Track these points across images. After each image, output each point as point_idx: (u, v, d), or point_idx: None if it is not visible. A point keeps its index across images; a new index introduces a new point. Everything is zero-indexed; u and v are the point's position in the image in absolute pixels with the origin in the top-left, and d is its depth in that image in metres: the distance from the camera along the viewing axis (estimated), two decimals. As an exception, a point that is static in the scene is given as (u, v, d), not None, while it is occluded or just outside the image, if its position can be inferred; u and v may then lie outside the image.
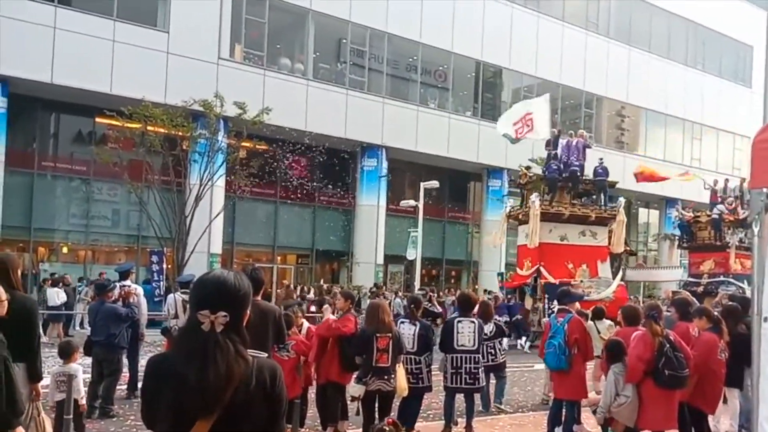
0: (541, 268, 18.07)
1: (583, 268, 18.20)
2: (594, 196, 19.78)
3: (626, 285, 20.12)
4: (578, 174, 19.04)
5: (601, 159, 20.32)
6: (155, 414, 2.25)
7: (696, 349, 6.85)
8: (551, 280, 17.35)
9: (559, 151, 19.53)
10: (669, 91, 35.50)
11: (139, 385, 9.92)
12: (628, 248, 20.62)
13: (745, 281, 18.89)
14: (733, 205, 21.42)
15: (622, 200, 19.76)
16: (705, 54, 37.76)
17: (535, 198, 18.59)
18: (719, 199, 22.31)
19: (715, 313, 7.66)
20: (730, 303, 8.79)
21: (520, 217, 19.74)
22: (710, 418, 7.43)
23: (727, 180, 23.86)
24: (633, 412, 6.46)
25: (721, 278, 20.07)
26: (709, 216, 22.15)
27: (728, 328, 7.41)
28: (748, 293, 13.77)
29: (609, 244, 18.94)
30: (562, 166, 19.21)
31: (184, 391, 2.17)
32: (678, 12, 35.42)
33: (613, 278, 18.36)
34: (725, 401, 7.83)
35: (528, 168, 20.82)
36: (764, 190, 3.36)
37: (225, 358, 2.20)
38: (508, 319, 19.80)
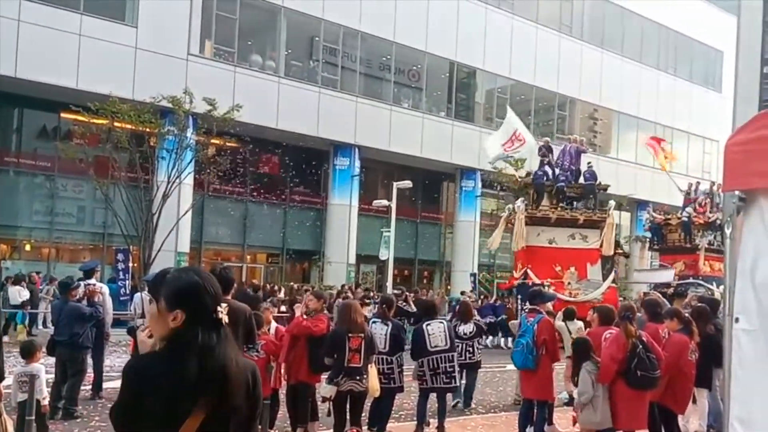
0: (529, 271, 18.28)
1: (571, 271, 18.34)
2: (584, 201, 19.95)
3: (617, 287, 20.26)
4: (564, 188, 19.28)
5: (590, 163, 20.52)
6: (138, 415, 2.19)
7: (667, 350, 6.90)
8: (537, 282, 17.56)
9: (555, 157, 19.85)
10: (641, 94, 35.92)
11: (105, 385, 9.82)
12: (621, 251, 20.71)
13: (714, 283, 19.13)
14: (705, 205, 21.68)
15: (612, 203, 19.95)
16: (676, 58, 38.29)
17: (520, 203, 18.87)
18: (691, 201, 22.59)
19: (686, 315, 7.70)
20: (700, 304, 8.87)
21: (513, 221, 19.98)
22: (679, 417, 7.47)
23: (698, 183, 24.17)
24: (605, 416, 6.47)
25: (691, 280, 20.31)
26: (679, 218, 22.42)
27: (698, 329, 7.46)
28: (716, 295, 13.95)
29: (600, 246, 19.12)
30: (558, 171, 19.52)
31: (193, 385, 2.17)
32: (650, 16, 35.86)
33: (604, 280, 18.51)
34: (694, 401, 7.89)
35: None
36: (736, 192, 3.37)
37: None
38: (494, 319, 20.10)
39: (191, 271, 2.42)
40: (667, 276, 19.77)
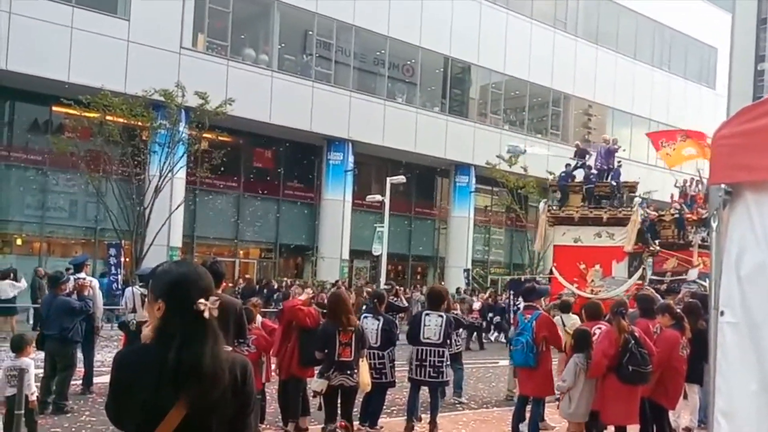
0: (554, 270, 18.50)
1: (596, 269, 18.52)
2: (612, 199, 20.09)
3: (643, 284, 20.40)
4: (593, 189, 19.50)
5: (620, 162, 20.65)
6: (124, 407, 2.22)
7: (658, 345, 6.91)
8: (561, 281, 17.74)
9: (592, 160, 20.17)
10: (635, 90, 35.94)
11: (95, 380, 9.79)
12: (650, 247, 20.81)
13: (707, 279, 19.13)
14: (698, 199, 21.74)
15: (637, 200, 20.08)
16: (671, 55, 38.31)
17: (542, 204, 19.12)
18: (686, 197, 22.62)
19: (678, 311, 7.70)
20: (691, 300, 8.86)
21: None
22: (671, 413, 7.48)
23: (692, 179, 24.16)
24: (578, 411, 6.48)
25: (684, 276, 20.34)
26: (672, 215, 22.45)
27: (690, 325, 7.46)
28: (709, 291, 13.98)
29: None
30: (588, 172, 19.79)
31: (172, 377, 2.15)
32: (645, 13, 35.86)
33: (630, 277, 18.65)
34: (685, 397, 7.89)
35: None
36: (722, 186, 3.35)
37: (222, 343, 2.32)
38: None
39: (180, 263, 2.43)
40: (693, 274, 19.93)
